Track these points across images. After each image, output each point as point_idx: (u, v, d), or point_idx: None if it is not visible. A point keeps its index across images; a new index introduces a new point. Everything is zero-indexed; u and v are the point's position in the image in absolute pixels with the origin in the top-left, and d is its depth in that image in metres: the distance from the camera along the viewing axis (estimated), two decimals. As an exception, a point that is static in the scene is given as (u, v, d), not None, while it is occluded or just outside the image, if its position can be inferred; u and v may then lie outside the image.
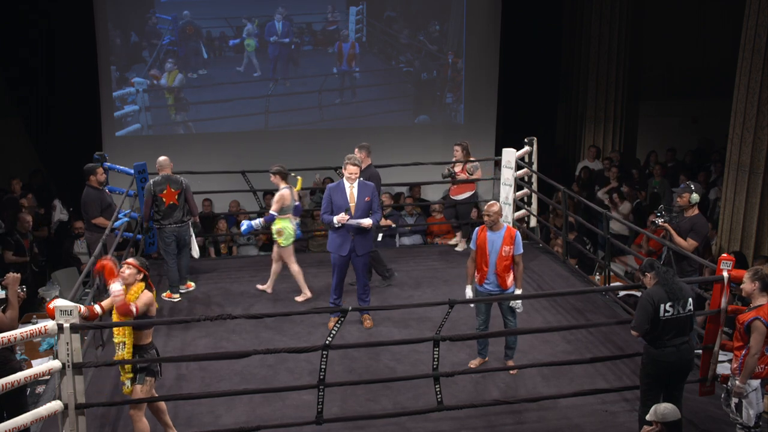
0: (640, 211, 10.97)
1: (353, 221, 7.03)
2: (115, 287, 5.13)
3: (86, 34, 11.85)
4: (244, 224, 8.00)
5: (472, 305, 6.55)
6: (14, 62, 11.79)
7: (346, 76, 12.82)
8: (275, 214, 7.78)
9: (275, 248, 8.06)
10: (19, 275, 5.62)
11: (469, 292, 6.50)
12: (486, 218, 6.34)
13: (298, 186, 8.20)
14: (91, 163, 8.27)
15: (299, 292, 8.13)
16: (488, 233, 6.36)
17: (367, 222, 7.04)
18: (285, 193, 7.81)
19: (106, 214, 8.01)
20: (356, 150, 8.00)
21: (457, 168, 9.45)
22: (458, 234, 9.85)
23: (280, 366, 6.54)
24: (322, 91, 12.74)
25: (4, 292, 5.48)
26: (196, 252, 8.33)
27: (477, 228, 6.48)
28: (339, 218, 7.00)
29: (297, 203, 7.98)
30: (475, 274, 6.44)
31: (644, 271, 5.38)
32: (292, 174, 8.09)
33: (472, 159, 9.46)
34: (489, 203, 6.42)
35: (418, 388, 6.16)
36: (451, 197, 9.66)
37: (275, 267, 8.13)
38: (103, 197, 8.11)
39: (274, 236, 7.90)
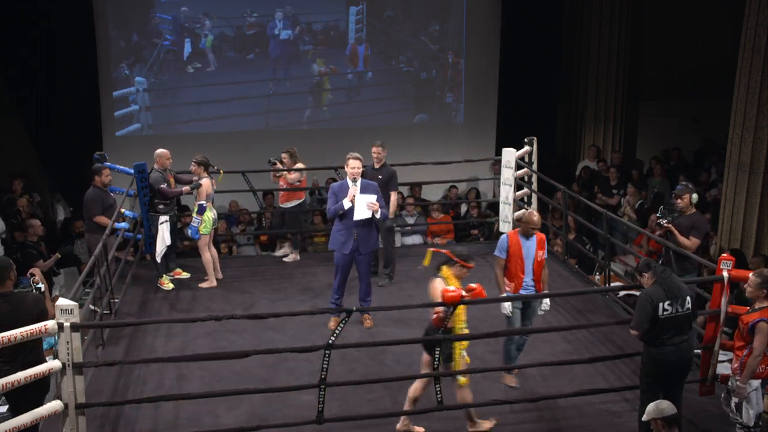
0: (641, 211, 10.97)
1: (363, 196, 6.93)
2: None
3: (86, 34, 11.84)
4: (189, 230, 8.36)
5: (507, 311, 6.37)
6: (14, 62, 11.76)
7: (358, 78, 12.81)
8: (204, 203, 8.21)
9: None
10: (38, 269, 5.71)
11: (508, 307, 6.33)
12: (532, 229, 6.26)
13: (220, 179, 8.73)
14: (96, 165, 8.29)
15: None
16: (522, 239, 6.28)
17: (373, 200, 6.94)
18: (206, 182, 8.29)
19: (107, 214, 8.02)
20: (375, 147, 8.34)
21: (282, 181, 9.30)
22: (286, 244, 9.61)
23: (280, 366, 6.54)
24: (322, 91, 12.74)
25: (42, 285, 5.55)
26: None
27: (504, 236, 6.35)
28: (350, 196, 6.93)
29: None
30: (508, 282, 6.32)
31: (641, 271, 5.38)
32: (214, 167, 8.53)
33: (299, 166, 9.25)
34: (529, 212, 6.36)
35: (418, 388, 6.16)
36: (279, 205, 9.51)
37: (206, 257, 8.42)
38: (106, 198, 8.11)
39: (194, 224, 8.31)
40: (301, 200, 9.42)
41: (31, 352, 5.20)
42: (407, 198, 11.68)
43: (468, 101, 13.19)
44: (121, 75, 12.14)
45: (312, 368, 6.34)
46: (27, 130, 12.15)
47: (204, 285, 8.43)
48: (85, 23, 11.80)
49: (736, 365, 5.44)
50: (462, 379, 5.60)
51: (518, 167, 9.48)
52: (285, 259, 9.40)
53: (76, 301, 5.23)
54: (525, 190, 9.58)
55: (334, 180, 9.81)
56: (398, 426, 5.73)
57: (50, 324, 5.00)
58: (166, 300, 8.11)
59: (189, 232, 8.32)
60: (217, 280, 8.53)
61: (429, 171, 11.26)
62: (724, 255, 5.89)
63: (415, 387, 5.69)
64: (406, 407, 5.69)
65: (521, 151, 9.50)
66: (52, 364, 5.07)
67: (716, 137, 13.20)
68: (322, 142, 12.40)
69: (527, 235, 6.30)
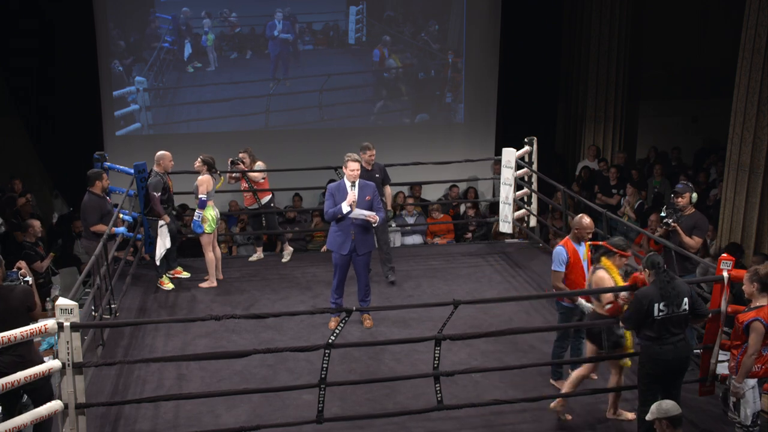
0: (641, 212, 10.97)
1: (360, 212, 6.94)
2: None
3: (86, 34, 11.85)
4: (192, 225, 8.32)
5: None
6: (14, 62, 11.78)
7: (363, 78, 12.84)
8: (204, 197, 8.14)
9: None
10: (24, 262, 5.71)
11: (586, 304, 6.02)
12: (588, 234, 6.17)
13: (219, 185, 8.57)
14: (96, 169, 8.25)
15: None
16: (576, 246, 6.17)
17: (372, 214, 6.95)
18: (207, 177, 8.22)
19: (105, 221, 7.96)
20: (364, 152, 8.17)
21: (243, 182, 9.19)
22: (259, 249, 9.50)
23: (280, 366, 6.54)
24: (322, 91, 12.75)
25: (29, 278, 5.55)
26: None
27: (560, 248, 6.12)
28: (349, 200, 6.90)
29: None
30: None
31: (645, 267, 5.40)
32: (217, 172, 8.43)
33: (260, 165, 9.13)
34: (579, 217, 6.22)
35: (418, 388, 6.16)
36: (248, 207, 9.34)
37: (209, 257, 8.38)
38: (104, 205, 8.02)
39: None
40: (270, 197, 9.32)
41: (23, 343, 5.22)
42: (407, 198, 11.67)
43: (468, 101, 13.19)
44: (121, 74, 12.13)
45: (312, 368, 6.35)
46: (27, 130, 12.15)
47: (204, 285, 8.43)
48: (85, 23, 11.81)
49: (732, 364, 5.47)
50: (628, 361, 5.80)
51: (518, 167, 9.49)
52: (283, 261, 9.39)
53: (76, 301, 5.23)
54: (525, 190, 9.59)
55: (334, 180, 9.80)
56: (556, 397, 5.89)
57: (50, 324, 5.00)
58: (166, 300, 8.11)
59: (192, 226, 8.31)
60: (217, 280, 8.52)
61: (429, 171, 11.27)
62: (724, 255, 5.89)
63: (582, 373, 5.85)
64: (567, 389, 5.85)
65: (521, 151, 9.50)
66: (52, 364, 5.07)
67: (717, 137, 13.21)
68: (322, 142, 12.41)
69: (579, 241, 6.19)
